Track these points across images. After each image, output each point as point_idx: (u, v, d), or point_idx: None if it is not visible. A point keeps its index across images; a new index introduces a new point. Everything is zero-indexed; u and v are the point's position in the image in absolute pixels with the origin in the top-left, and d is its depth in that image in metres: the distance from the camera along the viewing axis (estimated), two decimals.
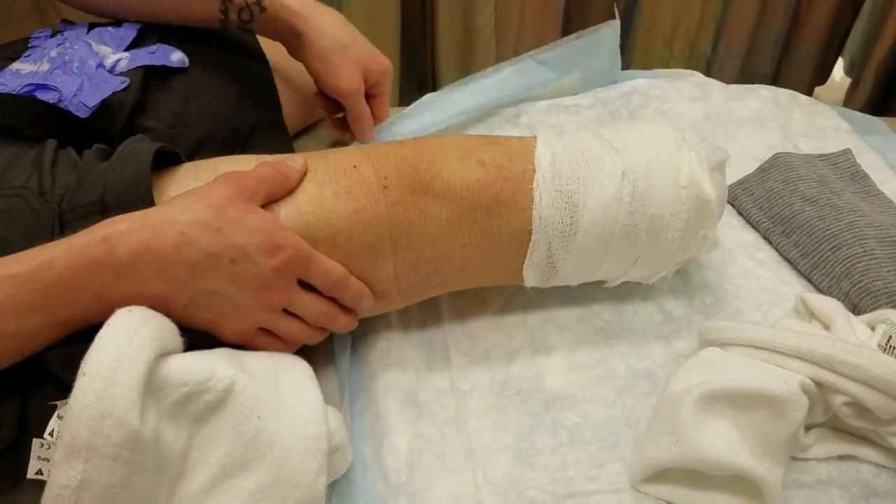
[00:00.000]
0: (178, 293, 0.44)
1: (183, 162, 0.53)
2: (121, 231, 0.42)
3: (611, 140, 0.56)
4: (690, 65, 1.39)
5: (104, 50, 0.63)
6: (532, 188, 0.53)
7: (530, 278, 0.56)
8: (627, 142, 0.55)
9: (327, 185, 0.51)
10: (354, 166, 0.52)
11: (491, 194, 0.52)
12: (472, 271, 0.55)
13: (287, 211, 0.49)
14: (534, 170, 0.53)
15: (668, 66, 1.36)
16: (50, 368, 0.43)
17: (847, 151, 0.75)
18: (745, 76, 1.42)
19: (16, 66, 0.61)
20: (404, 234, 0.51)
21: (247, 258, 0.45)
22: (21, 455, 0.43)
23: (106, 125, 0.59)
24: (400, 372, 0.57)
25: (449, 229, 0.52)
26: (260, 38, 0.72)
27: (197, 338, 0.45)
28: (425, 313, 0.61)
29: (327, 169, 0.52)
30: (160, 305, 0.43)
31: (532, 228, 0.53)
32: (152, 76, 0.63)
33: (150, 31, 0.67)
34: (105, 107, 0.59)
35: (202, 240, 0.44)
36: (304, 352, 0.51)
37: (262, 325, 0.48)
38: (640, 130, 0.57)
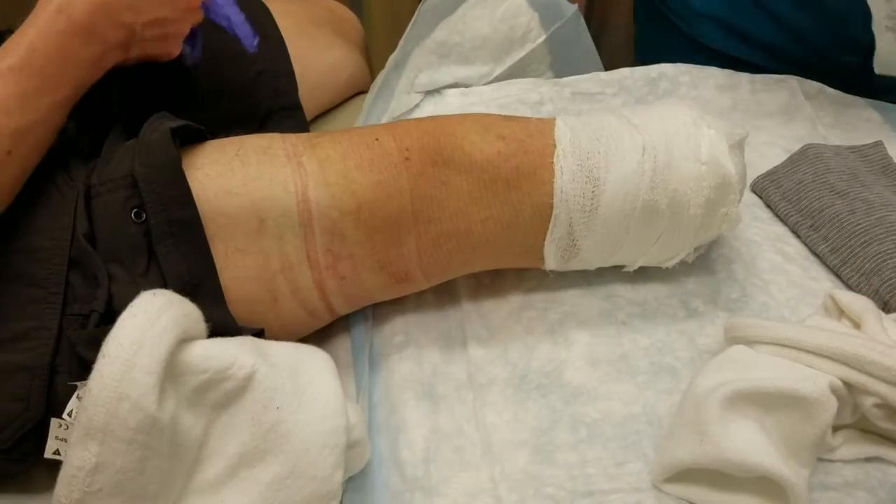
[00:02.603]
0: (131, 33, 0.50)
1: (207, 139, 0.54)
2: (68, 1, 0.46)
3: (629, 117, 0.56)
4: None
5: None
6: (553, 162, 0.53)
7: (551, 257, 0.56)
8: (646, 119, 0.56)
9: (351, 157, 0.52)
10: (377, 139, 0.53)
11: (511, 167, 0.53)
12: (493, 248, 0.55)
13: (315, 181, 0.50)
14: (554, 145, 0.54)
15: None
16: (77, 349, 0.44)
17: (879, 143, 0.73)
18: None
19: None
20: (426, 207, 0.52)
21: None
22: (45, 437, 0.43)
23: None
24: (417, 365, 0.56)
25: (470, 202, 0.53)
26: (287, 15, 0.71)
27: (221, 325, 0.45)
28: (444, 305, 0.60)
29: (350, 141, 0.53)
30: (127, 47, 0.50)
31: (553, 202, 0.53)
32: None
33: None
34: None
35: None
36: (324, 344, 0.50)
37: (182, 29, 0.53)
38: (658, 109, 0.57)
